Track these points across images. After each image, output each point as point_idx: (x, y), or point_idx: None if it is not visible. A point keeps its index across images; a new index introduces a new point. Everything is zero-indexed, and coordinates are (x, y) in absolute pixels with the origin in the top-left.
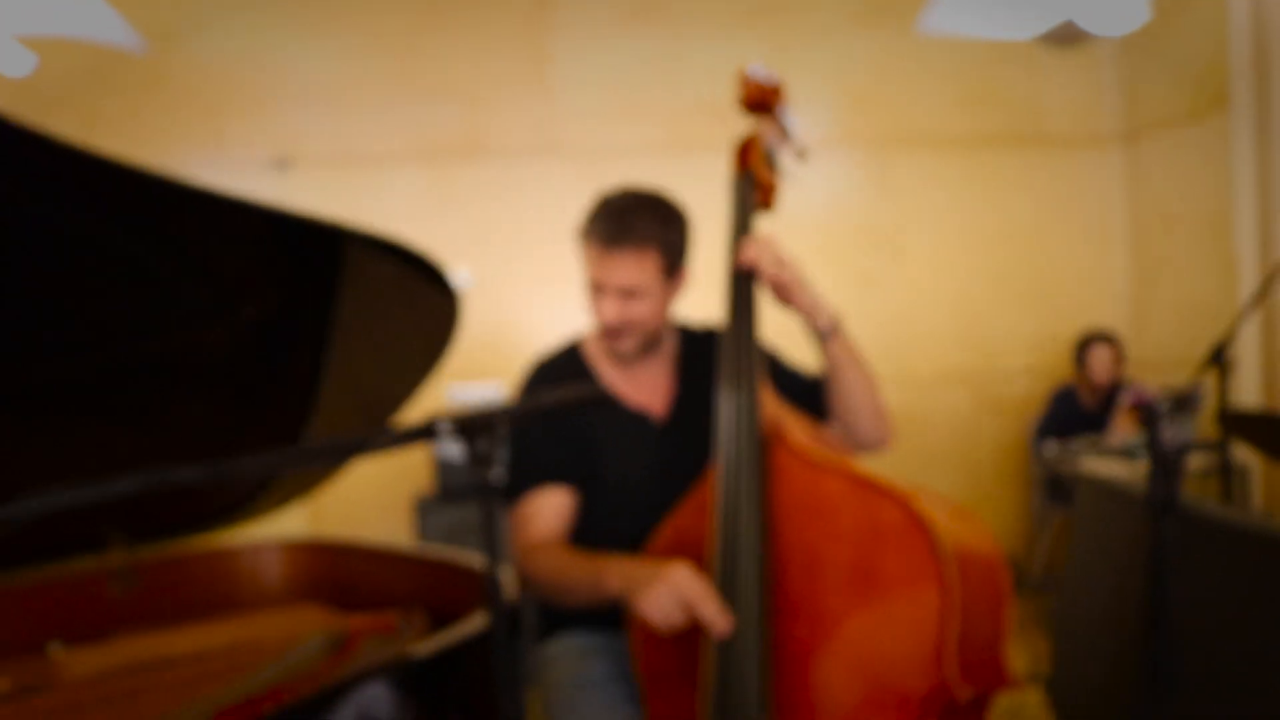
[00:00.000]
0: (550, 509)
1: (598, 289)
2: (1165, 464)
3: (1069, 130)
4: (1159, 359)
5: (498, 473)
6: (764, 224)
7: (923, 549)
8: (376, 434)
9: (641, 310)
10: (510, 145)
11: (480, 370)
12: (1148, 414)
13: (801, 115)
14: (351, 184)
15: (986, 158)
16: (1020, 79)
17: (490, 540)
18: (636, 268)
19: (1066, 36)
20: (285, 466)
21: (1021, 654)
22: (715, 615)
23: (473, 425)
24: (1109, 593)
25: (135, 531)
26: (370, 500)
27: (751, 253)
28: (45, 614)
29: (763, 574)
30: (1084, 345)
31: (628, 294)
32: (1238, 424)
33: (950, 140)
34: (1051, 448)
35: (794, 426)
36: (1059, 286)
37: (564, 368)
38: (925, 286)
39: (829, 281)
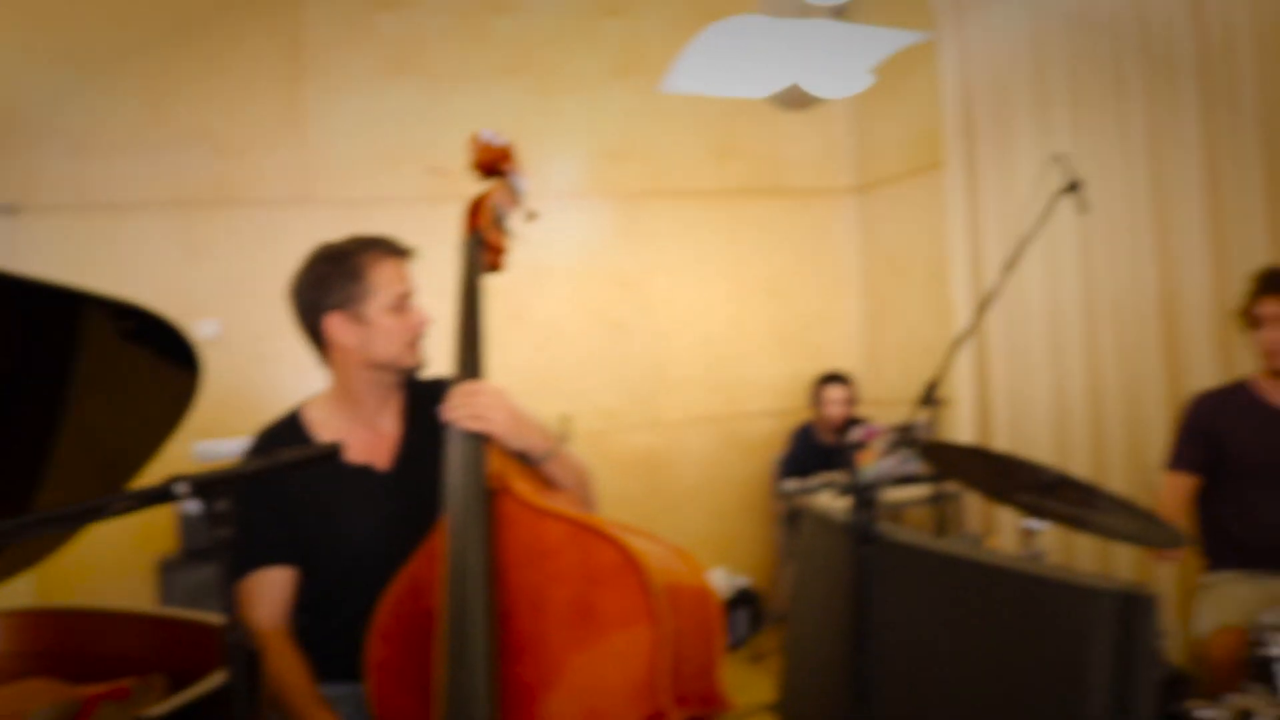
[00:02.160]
0: (268, 590)
1: (406, 297)
2: (861, 496)
3: (807, 183)
4: (890, 397)
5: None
6: (495, 279)
7: (636, 586)
8: (111, 499)
9: None
10: (264, 194)
11: (228, 426)
12: (846, 451)
13: (555, 168)
14: (91, 232)
15: (731, 209)
16: (763, 135)
17: (229, 596)
18: None
19: (797, 100)
20: (13, 537)
21: (765, 683)
22: None
23: (211, 485)
24: (826, 615)
25: None
26: (108, 562)
27: (447, 414)
28: None
29: (491, 617)
30: (819, 385)
31: None
32: (933, 454)
33: (698, 192)
34: (791, 484)
35: (518, 475)
36: (799, 331)
37: (283, 434)
38: (673, 333)
39: (582, 329)
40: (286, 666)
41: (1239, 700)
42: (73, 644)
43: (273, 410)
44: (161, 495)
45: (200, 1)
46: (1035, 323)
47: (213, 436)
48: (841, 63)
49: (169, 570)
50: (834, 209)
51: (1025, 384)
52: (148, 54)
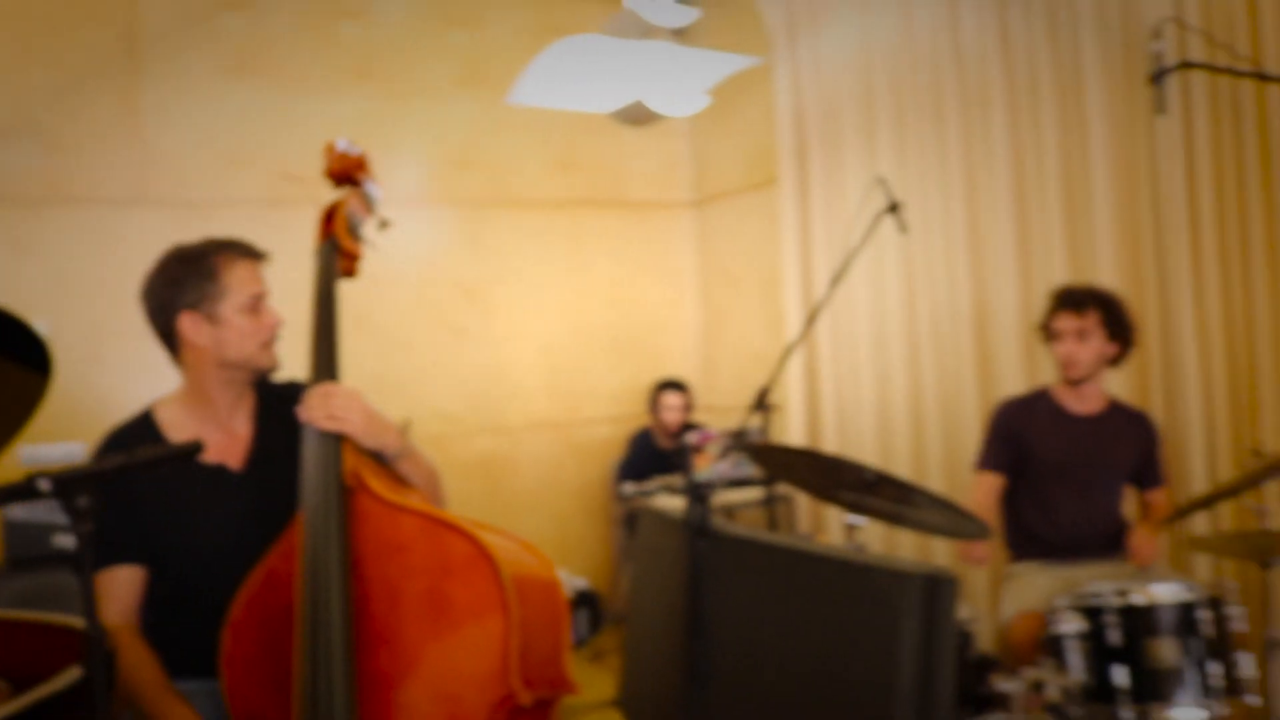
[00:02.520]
0: (119, 588)
1: (260, 298)
2: (697, 493)
3: (647, 196)
4: (725, 404)
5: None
6: (356, 285)
7: (487, 577)
8: None
9: None
10: (98, 193)
11: (57, 430)
12: (681, 452)
13: (399, 174)
14: None
15: (573, 219)
16: (604, 148)
17: (89, 594)
18: None
19: (638, 116)
20: None
21: (606, 680)
22: None
23: (73, 481)
24: (664, 609)
25: None
26: None
27: (304, 414)
28: None
29: (347, 610)
30: (657, 392)
31: None
32: (763, 456)
33: (540, 202)
34: (629, 488)
35: (372, 473)
36: (638, 339)
37: (136, 435)
38: (515, 340)
39: (424, 334)
40: (138, 661)
41: (1033, 673)
42: None
43: (104, 413)
44: (24, 491)
45: None
46: (861, 334)
47: (40, 440)
48: (681, 82)
49: None
50: (672, 222)
51: (851, 391)
52: None
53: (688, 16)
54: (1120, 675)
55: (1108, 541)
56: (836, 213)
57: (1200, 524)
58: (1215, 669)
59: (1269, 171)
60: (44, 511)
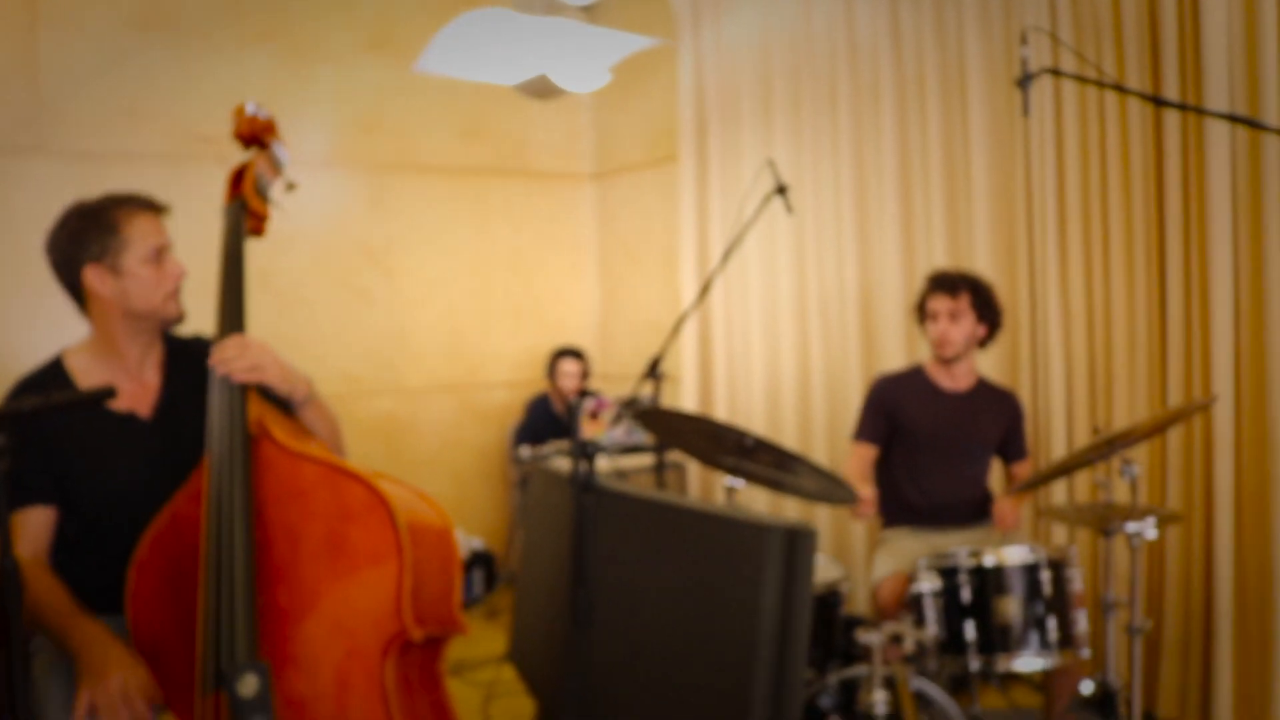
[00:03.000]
0: (31, 529)
1: (163, 250)
2: (583, 452)
3: (550, 167)
4: (622, 372)
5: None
6: (258, 243)
7: (383, 522)
8: None
9: None
10: None
11: None
12: (570, 412)
13: (305, 136)
14: None
15: (476, 187)
16: (509, 118)
17: (4, 529)
18: None
19: (542, 89)
20: None
21: (500, 637)
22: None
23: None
24: (552, 562)
25: None
26: None
27: (222, 365)
28: None
29: (250, 550)
30: (554, 359)
31: None
32: (650, 420)
33: (444, 169)
34: (525, 451)
35: (276, 422)
36: (538, 307)
37: (47, 381)
38: (416, 303)
39: (326, 296)
40: (46, 588)
41: (892, 627)
42: None
43: (2, 363)
44: None
45: None
46: (753, 309)
47: None
48: (586, 58)
49: None
50: (574, 193)
51: (742, 363)
52: None
53: None
54: (970, 629)
55: (974, 509)
56: (732, 191)
57: (1059, 495)
58: (1053, 624)
59: (1128, 174)
60: None
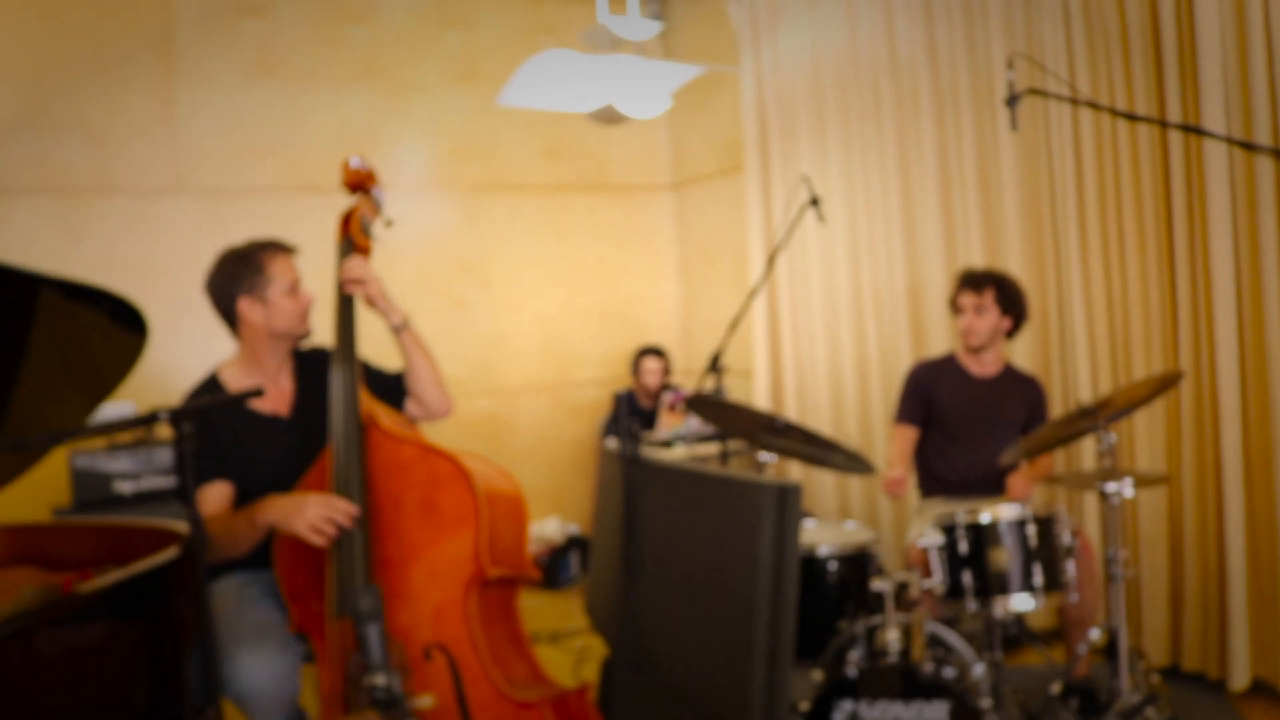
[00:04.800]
0: (214, 496)
1: (296, 283)
2: (629, 432)
3: (629, 180)
4: (701, 368)
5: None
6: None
7: (465, 488)
8: (111, 424)
9: None
10: (139, 182)
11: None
12: (616, 402)
13: (404, 163)
14: None
15: (562, 202)
16: (590, 137)
17: (191, 494)
18: None
19: (609, 116)
20: (32, 447)
21: None
22: (347, 506)
23: (181, 414)
24: (611, 525)
25: None
26: (7, 514)
27: (345, 273)
28: None
29: (364, 512)
30: (638, 358)
31: None
32: (701, 407)
33: (531, 187)
34: (612, 442)
35: (382, 411)
36: (622, 310)
37: (209, 389)
38: (511, 311)
39: (429, 306)
40: (229, 516)
41: (900, 576)
42: (42, 550)
43: (148, 376)
44: (148, 420)
45: (74, 6)
46: (815, 307)
47: None
48: (650, 86)
49: (62, 519)
50: (652, 203)
51: (808, 356)
52: (26, 50)
53: (652, 30)
54: (967, 577)
55: (998, 482)
56: (794, 198)
57: (1087, 461)
58: (1038, 570)
59: (1138, 177)
60: (105, 461)
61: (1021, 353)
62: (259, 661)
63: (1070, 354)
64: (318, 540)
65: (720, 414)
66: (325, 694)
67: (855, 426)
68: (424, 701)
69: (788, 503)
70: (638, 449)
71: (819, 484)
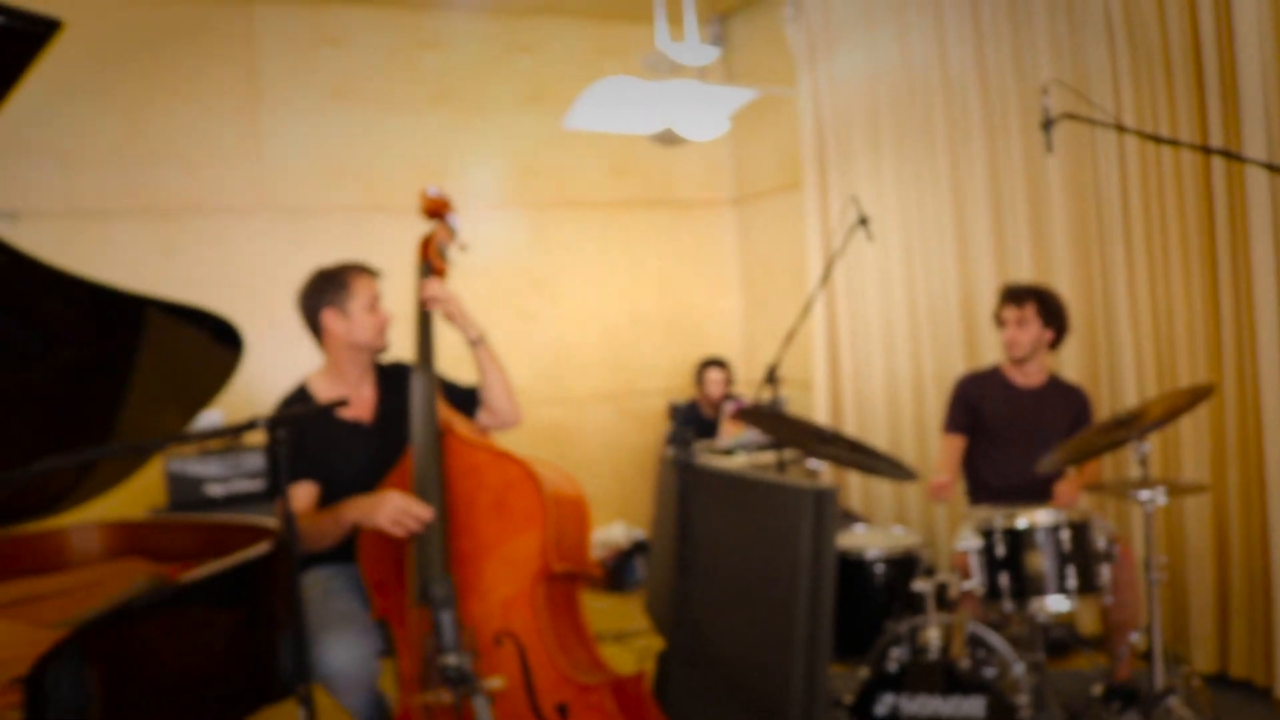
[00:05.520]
0: (301, 496)
1: (377, 300)
2: (683, 439)
3: (693, 196)
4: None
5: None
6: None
7: (533, 490)
8: (212, 431)
9: None
10: (226, 203)
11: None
12: (673, 413)
13: (476, 182)
14: (78, 237)
15: (627, 218)
16: (654, 155)
17: (284, 491)
18: None
19: (669, 139)
20: (142, 451)
21: None
22: (422, 511)
23: (278, 421)
24: (668, 527)
25: None
26: (111, 512)
27: (426, 292)
28: None
29: (442, 511)
30: (701, 369)
31: None
32: (753, 418)
33: (598, 204)
34: (671, 452)
35: (458, 420)
36: (686, 322)
37: (299, 398)
38: (578, 323)
39: (499, 318)
40: (311, 515)
41: (941, 577)
42: (149, 543)
43: (235, 385)
44: (248, 426)
45: (168, 36)
46: (873, 320)
47: None
48: (709, 109)
49: (166, 516)
50: (715, 218)
51: (865, 368)
52: (126, 83)
53: (709, 56)
54: (1004, 579)
55: (1044, 490)
56: (850, 214)
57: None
58: (1072, 573)
59: (1181, 193)
60: (197, 465)
61: (1070, 364)
62: (343, 646)
63: (1117, 365)
64: (398, 531)
65: (771, 424)
66: (404, 677)
67: (911, 436)
68: (494, 683)
69: (825, 506)
70: (690, 455)
71: (876, 491)
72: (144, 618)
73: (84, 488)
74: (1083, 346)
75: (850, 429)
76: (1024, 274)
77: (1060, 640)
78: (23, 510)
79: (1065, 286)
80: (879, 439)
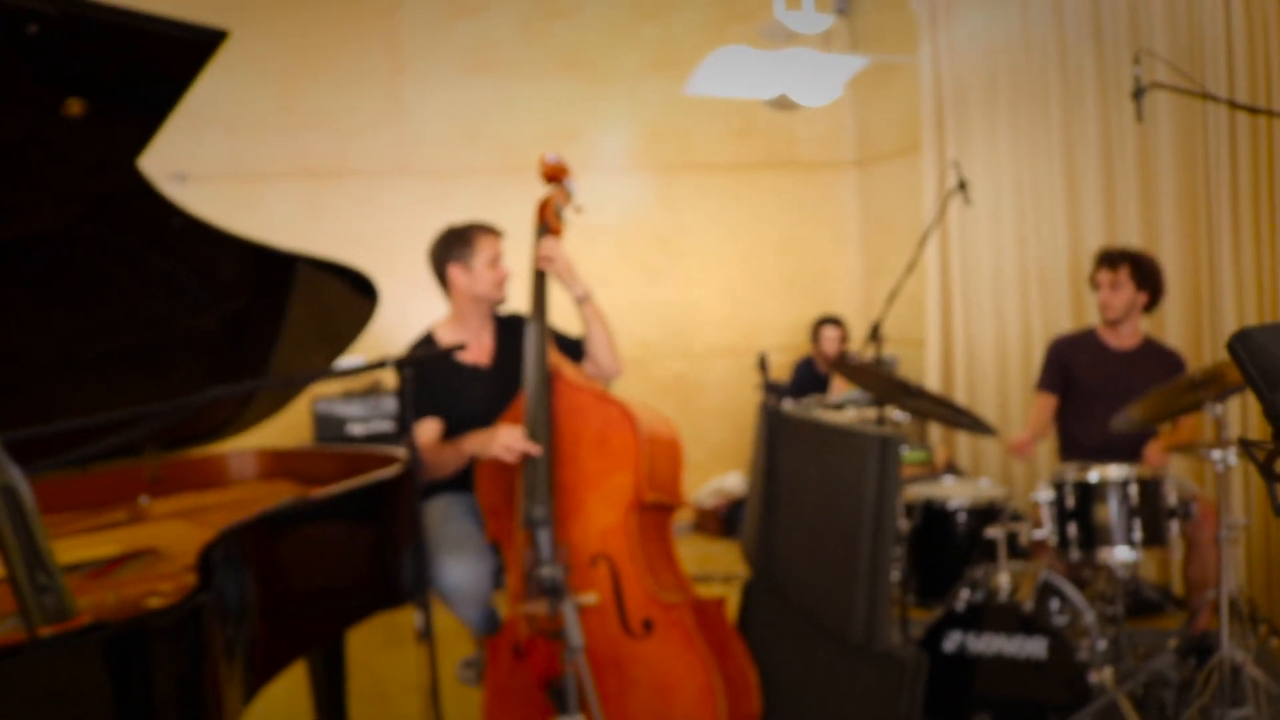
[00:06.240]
0: (427, 430)
1: (498, 258)
2: (774, 391)
3: (815, 157)
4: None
5: (410, 388)
6: (568, 237)
7: (630, 429)
8: (349, 368)
9: None
10: (372, 166)
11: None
12: (760, 362)
13: (604, 145)
14: (239, 197)
15: (751, 179)
16: (777, 117)
17: (410, 426)
18: None
19: (784, 104)
20: (292, 384)
21: None
22: (531, 445)
23: (405, 361)
24: (759, 469)
25: (162, 444)
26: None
27: (540, 251)
28: (117, 487)
29: (549, 446)
30: (817, 326)
31: None
32: (843, 369)
33: (722, 165)
34: (790, 404)
35: (566, 366)
36: (806, 281)
37: (425, 343)
38: (701, 281)
39: (626, 276)
40: (435, 447)
41: (1011, 525)
42: (296, 468)
43: (377, 333)
44: (378, 365)
45: (319, 10)
46: (984, 282)
47: None
48: (825, 75)
49: (310, 446)
50: (837, 180)
51: (977, 330)
52: (281, 55)
53: (823, 24)
54: (1072, 529)
55: (1133, 448)
56: (967, 176)
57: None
58: (1138, 526)
59: None
60: (341, 406)
61: (1174, 330)
62: (460, 565)
63: (1220, 332)
64: (509, 458)
65: (860, 376)
66: (511, 592)
67: (1019, 395)
68: (589, 598)
69: (889, 451)
70: (779, 403)
71: (985, 447)
72: (291, 527)
73: (243, 418)
74: (1187, 312)
75: (960, 387)
76: (1132, 239)
77: (1152, 600)
78: (193, 436)
79: (1171, 252)
80: (987, 397)
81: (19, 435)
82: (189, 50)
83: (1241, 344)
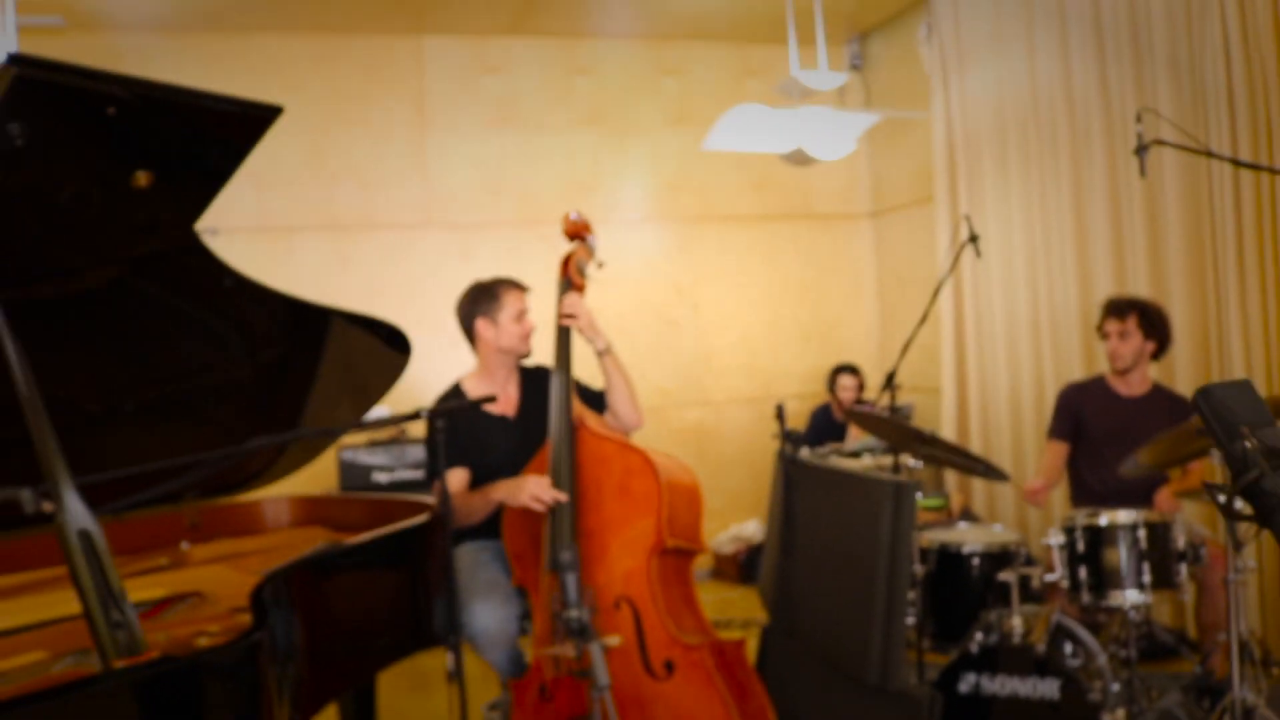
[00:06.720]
0: (455, 479)
1: (524, 312)
2: (792, 439)
3: (831, 209)
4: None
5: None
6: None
7: (652, 477)
8: (378, 420)
9: None
10: (396, 219)
11: None
12: (778, 411)
13: (624, 198)
14: (269, 249)
15: (768, 230)
16: (793, 170)
17: (442, 473)
18: None
19: (800, 159)
20: (330, 434)
21: None
22: (557, 493)
23: (437, 413)
24: (778, 516)
25: (199, 493)
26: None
27: (564, 307)
28: (158, 533)
29: (573, 494)
30: (834, 375)
31: None
32: (857, 419)
33: (739, 217)
34: (807, 453)
35: (590, 416)
36: (823, 331)
37: (453, 396)
38: (719, 331)
39: (645, 325)
40: (463, 495)
41: (1023, 569)
42: (328, 515)
43: (401, 384)
44: (412, 417)
45: (346, 68)
46: (998, 331)
47: None
48: (839, 131)
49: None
50: (853, 231)
51: (991, 377)
52: (309, 111)
53: (837, 81)
54: (1082, 572)
55: (1145, 494)
56: (979, 228)
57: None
58: (1147, 569)
59: None
60: (366, 456)
61: (1183, 378)
62: (487, 610)
63: (1229, 376)
64: (537, 507)
65: (875, 425)
66: (538, 634)
67: (1033, 442)
68: (612, 640)
69: (903, 496)
70: (796, 451)
71: (1000, 493)
72: (330, 572)
73: (277, 467)
74: (1196, 359)
75: (974, 434)
76: (1141, 288)
77: (1167, 644)
78: (230, 484)
79: (1180, 301)
80: (1002, 443)
81: (86, 480)
82: (247, 125)
83: (1204, 399)
